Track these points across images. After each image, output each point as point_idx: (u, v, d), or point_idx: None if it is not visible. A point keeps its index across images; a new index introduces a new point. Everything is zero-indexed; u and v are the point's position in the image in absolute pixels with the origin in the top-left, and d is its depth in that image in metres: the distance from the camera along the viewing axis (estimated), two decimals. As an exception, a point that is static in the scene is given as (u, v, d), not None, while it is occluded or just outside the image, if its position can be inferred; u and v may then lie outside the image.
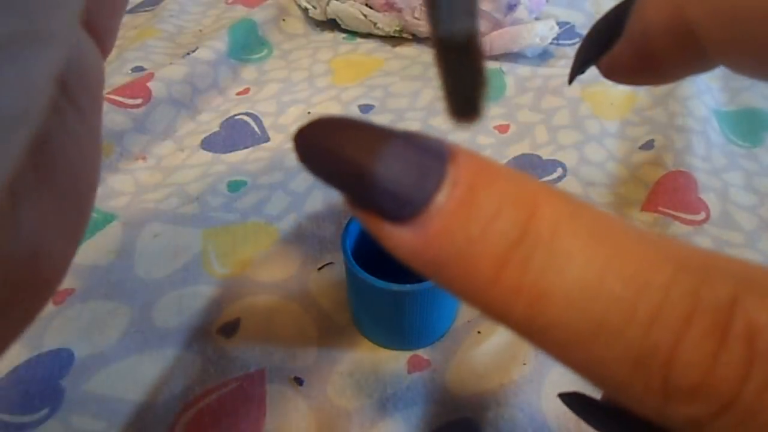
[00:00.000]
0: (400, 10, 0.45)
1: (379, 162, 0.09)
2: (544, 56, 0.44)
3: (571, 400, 0.13)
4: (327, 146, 0.10)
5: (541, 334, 0.09)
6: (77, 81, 0.12)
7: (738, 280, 0.08)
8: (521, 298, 0.09)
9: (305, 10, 0.49)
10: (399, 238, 0.10)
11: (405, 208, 0.09)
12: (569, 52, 0.44)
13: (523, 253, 0.09)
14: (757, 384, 0.08)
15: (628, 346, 0.08)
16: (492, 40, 0.43)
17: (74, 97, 0.12)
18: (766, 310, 0.08)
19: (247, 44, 0.45)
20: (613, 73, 0.16)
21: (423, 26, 0.45)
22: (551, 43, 0.43)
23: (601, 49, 0.16)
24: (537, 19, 0.44)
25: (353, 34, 0.48)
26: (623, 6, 0.15)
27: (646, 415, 0.09)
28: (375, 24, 0.45)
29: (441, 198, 0.09)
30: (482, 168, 0.10)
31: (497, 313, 0.09)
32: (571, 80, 0.18)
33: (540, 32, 0.42)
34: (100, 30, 0.13)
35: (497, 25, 0.43)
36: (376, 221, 0.10)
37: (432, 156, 0.09)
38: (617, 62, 0.16)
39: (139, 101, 0.36)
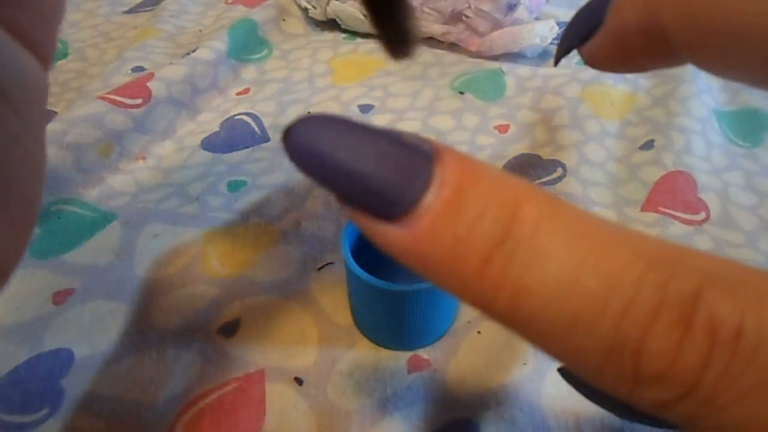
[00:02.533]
0: None
1: (368, 162, 0.10)
2: (544, 56, 0.44)
3: (568, 373, 0.14)
4: (316, 146, 0.10)
5: (523, 325, 0.10)
6: (17, 90, 0.13)
7: (703, 274, 0.09)
8: (504, 293, 0.10)
9: (305, 10, 0.49)
10: (389, 236, 0.10)
11: (394, 208, 0.10)
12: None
13: (505, 251, 0.09)
14: (716, 371, 0.08)
15: (602, 337, 0.09)
16: (492, 40, 0.43)
17: (15, 104, 0.13)
18: (727, 303, 0.09)
19: (247, 44, 0.45)
20: (593, 61, 0.17)
21: (423, 26, 0.45)
22: (551, 43, 0.43)
23: (583, 37, 0.17)
24: (537, 19, 0.44)
25: (353, 34, 0.48)
26: None
27: (618, 397, 0.10)
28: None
29: (429, 198, 0.10)
30: (468, 168, 0.10)
31: (482, 306, 0.10)
32: (556, 63, 0.19)
33: (540, 32, 0.42)
34: (34, 43, 0.14)
35: (497, 25, 0.43)
36: (366, 220, 0.10)
37: (420, 156, 0.10)
38: (597, 51, 0.17)
39: (139, 101, 0.36)
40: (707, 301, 0.09)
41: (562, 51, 0.18)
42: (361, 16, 0.45)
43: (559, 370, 0.14)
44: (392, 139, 0.10)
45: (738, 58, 0.13)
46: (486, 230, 0.10)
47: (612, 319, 0.09)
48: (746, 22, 0.12)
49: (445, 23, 0.44)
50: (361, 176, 0.10)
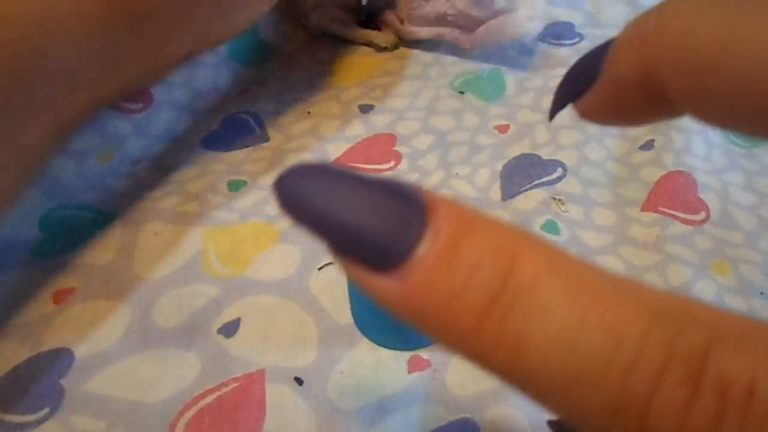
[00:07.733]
0: (392, 25, 0.45)
1: (359, 213, 0.10)
2: (543, 56, 0.44)
3: (559, 427, 0.13)
4: (307, 197, 0.10)
5: (523, 382, 0.09)
6: None
7: (711, 329, 0.09)
8: (502, 349, 0.09)
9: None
10: (381, 287, 0.10)
11: (387, 259, 0.10)
12: (570, 52, 0.44)
13: (503, 305, 0.09)
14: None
15: (606, 395, 0.09)
16: (480, 35, 0.42)
17: None
18: (736, 360, 0.08)
19: (248, 46, 0.45)
20: (588, 115, 0.17)
21: (415, 32, 0.45)
22: (551, 44, 0.43)
23: (577, 91, 0.17)
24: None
25: (353, 33, 0.48)
26: (599, 50, 0.16)
27: None
28: (371, 41, 0.45)
29: (422, 250, 0.10)
30: (463, 218, 0.10)
31: (479, 361, 0.10)
32: (551, 118, 0.19)
33: (524, 16, 0.40)
34: None
35: (482, 19, 0.42)
36: (358, 270, 0.10)
37: (413, 206, 0.10)
38: (591, 106, 0.16)
39: (140, 105, 0.36)
40: (717, 358, 0.08)
41: (557, 106, 0.18)
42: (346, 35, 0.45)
43: (549, 423, 0.14)
44: (384, 188, 0.10)
45: (739, 110, 0.13)
46: (482, 282, 0.09)
47: (617, 376, 0.09)
48: (747, 76, 0.12)
49: (434, 26, 0.44)
50: (353, 227, 0.10)
